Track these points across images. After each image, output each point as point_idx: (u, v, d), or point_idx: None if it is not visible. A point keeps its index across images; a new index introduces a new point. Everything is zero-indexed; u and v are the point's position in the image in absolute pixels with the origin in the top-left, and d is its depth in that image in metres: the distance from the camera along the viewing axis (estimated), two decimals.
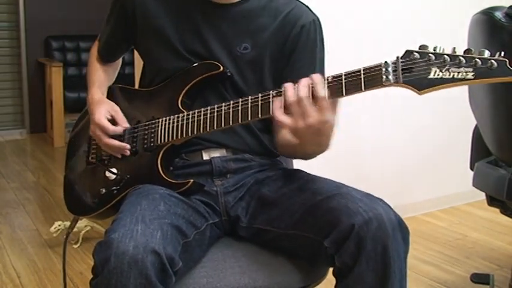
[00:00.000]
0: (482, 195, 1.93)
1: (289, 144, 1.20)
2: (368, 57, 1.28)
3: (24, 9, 5.14)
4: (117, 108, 1.41)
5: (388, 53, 1.17)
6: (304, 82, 1.10)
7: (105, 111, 1.38)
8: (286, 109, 1.11)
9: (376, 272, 1.12)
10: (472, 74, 1.00)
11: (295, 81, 1.12)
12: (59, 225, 2.61)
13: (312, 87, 1.09)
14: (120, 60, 1.61)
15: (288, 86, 1.12)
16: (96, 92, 1.45)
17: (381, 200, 1.19)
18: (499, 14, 1.59)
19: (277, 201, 1.30)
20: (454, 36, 2.41)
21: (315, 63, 1.40)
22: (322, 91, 1.08)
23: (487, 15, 1.62)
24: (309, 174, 1.38)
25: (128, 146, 1.36)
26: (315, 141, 1.14)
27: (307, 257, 1.27)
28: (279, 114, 1.11)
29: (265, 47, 1.37)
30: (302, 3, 1.42)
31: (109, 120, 1.38)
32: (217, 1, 1.36)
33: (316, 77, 1.10)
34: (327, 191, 1.23)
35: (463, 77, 1.00)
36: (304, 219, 1.23)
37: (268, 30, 1.37)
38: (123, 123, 1.39)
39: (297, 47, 1.38)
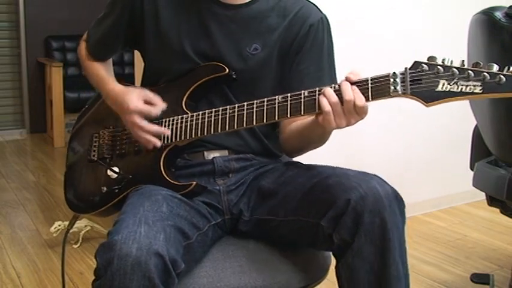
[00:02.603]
0: (482, 195, 1.93)
1: (310, 133, 1.30)
2: (372, 64, 1.29)
3: (24, 9, 5.14)
4: (145, 90, 1.34)
5: (389, 57, 1.17)
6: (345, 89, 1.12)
7: (137, 97, 1.32)
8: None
9: (375, 245, 1.12)
10: (480, 88, 1.00)
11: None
12: (59, 225, 2.61)
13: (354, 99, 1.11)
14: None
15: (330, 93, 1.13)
16: (118, 86, 1.39)
17: (375, 175, 1.20)
18: (499, 14, 1.59)
19: (276, 191, 1.31)
20: (454, 36, 2.41)
21: (323, 64, 1.40)
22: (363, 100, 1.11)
23: (487, 15, 1.62)
24: (305, 164, 1.38)
25: (168, 131, 1.31)
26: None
27: (306, 241, 1.28)
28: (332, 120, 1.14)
29: (274, 47, 1.37)
30: (310, 2, 1.43)
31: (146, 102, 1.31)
32: (226, 2, 1.36)
33: (353, 87, 1.12)
34: (322, 173, 1.24)
35: (471, 91, 1.00)
36: (301, 204, 1.24)
37: (277, 31, 1.37)
38: (159, 103, 1.31)
39: (304, 46, 1.38)
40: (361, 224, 1.12)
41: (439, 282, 2.33)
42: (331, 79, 1.40)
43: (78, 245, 2.65)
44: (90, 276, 1.11)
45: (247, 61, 1.36)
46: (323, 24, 1.40)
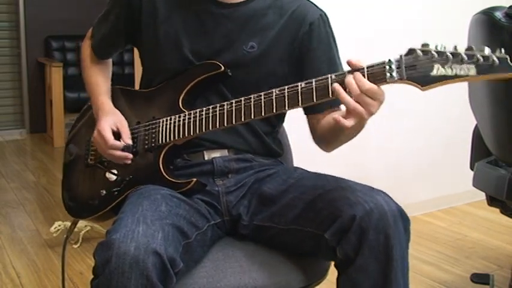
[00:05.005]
0: (482, 195, 1.93)
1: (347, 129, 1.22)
2: (366, 56, 1.28)
3: (24, 9, 5.14)
4: (124, 122, 1.38)
5: (388, 54, 1.17)
6: (349, 79, 1.09)
7: (111, 122, 1.36)
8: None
9: (378, 262, 1.12)
10: (474, 70, 1.02)
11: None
12: (59, 225, 2.61)
13: (358, 86, 1.09)
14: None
15: (339, 88, 1.11)
16: (106, 101, 1.42)
17: (381, 191, 1.20)
18: (499, 14, 1.59)
19: (278, 198, 1.30)
20: (454, 36, 2.41)
21: (335, 58, 1.40)
22: (368, 83, 1.08)
23: (487, 15, 1.62)
24: (308, 171, 1.38)
25: (130, 156, 1.34)
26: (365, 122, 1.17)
27: (308, 251, 1.28)
28: (348, 124, 1.11)
29: (272, 46, 1.37)
30: (307, 0, 1.42)
31: (113, 132, 1.35)
32: (223, 0, 1.36)
33: (355, 73, 1.10)
34: (327, 185, 1.24)
35: (465, 73, 1.02)
36: (304, 213, 1.23)
37: (274, 29, 1.37)
38: (126, 138, 1.35)
39: (311, 46, 1.38)
40: (366, 240, 1.12)
41: (439, 282, 2.33)
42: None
43: (78, 245, 2.65)
44: (90, 276, 1.11)
45: (243, 59, 1.36)
46: (323, 20, 1.40)
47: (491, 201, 1.88)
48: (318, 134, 1.41)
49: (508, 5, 1.60)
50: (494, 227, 2.93)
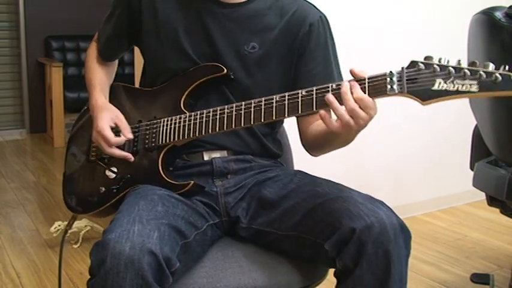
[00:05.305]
0: (482, 195, 1.93)
1: (331, 137, 1.24)
2: (371, 64, 1.29)
3: (24, 9, 5.14)
4: (121, 116, 1.38)
5: (388, 57, 1.17)
6: (345, 90, 1.09)
7: (108, 119, 1.35)
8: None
9: (376, 276, 1.12)
10: (477, 86, 1.00)
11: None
12: (59, 225, 2.61)
13: (351, 92, 1.09)
14: (117, 60, 1.60)
15: (333, 100, 1.11)
16: (99, 96, 1.42)
17: (382, 203, 1.19)
18: (499, 14, 1.59)
19: (278, 203, 1.30)
20: (454, 36, 2.41)
21: (330, 62, 1.40)
22: (361, 92, 1.08)
23: (487, 15, 1.62)
24: (309, 175, 1.37)
25: (131, 156, 1.35)
26: (355, 134, 1.18)
27: (307, 258, 1.28)
28: (335, 127, 1.12)
29: (272, 46, 1.37)
30: (307, 1, 1.43)
31: (112, 128, 1.35)
32: (224, 0, 1.36)
33: (351, 82, 1.10)
34: (328, 193, 1.23)
35: (467, 89, 1.01)
36: (305, 221, 1.23)
37: (275, 30, 1.37)
38: (127, 133, 1.35)
39: (308, 46, 1.38)
40: (365, 253, 1.11)
41: (439, 282, 2.33)
42: (339, 75, 1.40)
43: (78, 245, 2.65)
44: (89, 276, 1.11)
45: (245, 59, 1.36)
46: (323, 22, 1.40)
47: (491, 201, 1.88)
48: (308, 137, 1.41)
49: (508, 5, 1.60)
50: (494, 227, 2.93)
